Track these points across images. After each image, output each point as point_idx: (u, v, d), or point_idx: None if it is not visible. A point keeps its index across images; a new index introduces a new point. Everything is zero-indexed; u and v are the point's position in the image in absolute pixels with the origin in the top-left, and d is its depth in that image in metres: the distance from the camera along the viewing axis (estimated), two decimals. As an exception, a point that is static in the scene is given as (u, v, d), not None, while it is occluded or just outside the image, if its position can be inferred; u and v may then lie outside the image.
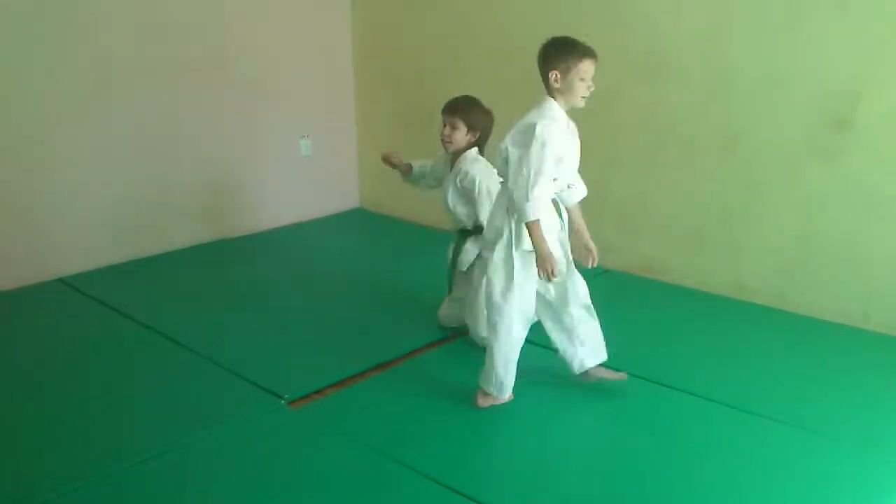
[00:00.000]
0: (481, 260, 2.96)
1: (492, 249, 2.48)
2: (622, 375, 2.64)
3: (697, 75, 3.46)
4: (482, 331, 2.88)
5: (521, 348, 2.54)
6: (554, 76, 2.36)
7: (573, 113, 2.46)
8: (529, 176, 2.30)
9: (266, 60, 4.35)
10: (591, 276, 2.68)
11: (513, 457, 2.39)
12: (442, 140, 2.94)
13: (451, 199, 2.96)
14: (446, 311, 3.13)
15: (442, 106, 2.95)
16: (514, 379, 2.54)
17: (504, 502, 2.11)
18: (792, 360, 2.92)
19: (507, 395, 2.54)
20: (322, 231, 4.62)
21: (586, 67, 2.34)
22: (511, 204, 2.39)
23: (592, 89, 2.38)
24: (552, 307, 2.61)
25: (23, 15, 3.43)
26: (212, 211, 4.29)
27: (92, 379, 2.77)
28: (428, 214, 4.44)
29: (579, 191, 2.59)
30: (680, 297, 3.57)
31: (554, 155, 2.33)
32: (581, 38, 2.40)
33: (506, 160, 2.39)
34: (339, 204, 4.94)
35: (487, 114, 2.92)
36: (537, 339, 2.70)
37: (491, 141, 2.95)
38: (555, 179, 2.39)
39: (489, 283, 2.49)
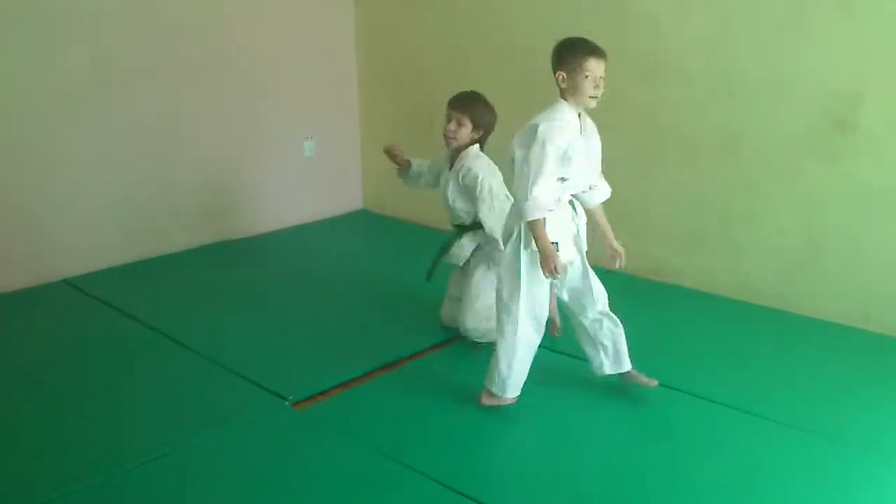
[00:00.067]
0: (477, 256, 2.97)
1: (503, 249, 2.49)
2: (653, 382, 2.61)
3: (698, 75, 3.46)
4: (468, 322, 2.94)
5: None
6: (560, 76, 2.36)
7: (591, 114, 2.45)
8: (530, 176, 2.30)
9: (267, 60, 4.34)
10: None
11: (516, 458, 2.40)
12: (445, 135, 2.91)
13: (452, 194, 2.95)
14: (448, 311, 3.13)
15: (446, 103, 2.93)
16: (521, 381, 2.53)
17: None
18: (792, 361, 2.93)
19: (511, 395, 2.53)
20: (325, 232, 4.61)
21: (591, 65, 2.32)
22: (514, 203, 2.40)
23: (602, 89, 2.35)
24: (572, 311, 2.60)
25: (23, 15, 3.42)
26: (213, 212, 4.28)
27: (94, 380, 2.77)
28: (431, 215, 4.42)
29: (602, 192, 2.58)
30: (680, 297, 3.57)
31: (556, 155, 2.32)
32: (583, 38, 2.39)
33: (512, 160, 2.39)
34: (343, 205, 4.93)
35: (492, 111, 2.91)
36: (540, 340, 2.69)
37: (491, 138, 2.95)
38: (564, 180, 2.38)
39: (499, 281, 2.50)
